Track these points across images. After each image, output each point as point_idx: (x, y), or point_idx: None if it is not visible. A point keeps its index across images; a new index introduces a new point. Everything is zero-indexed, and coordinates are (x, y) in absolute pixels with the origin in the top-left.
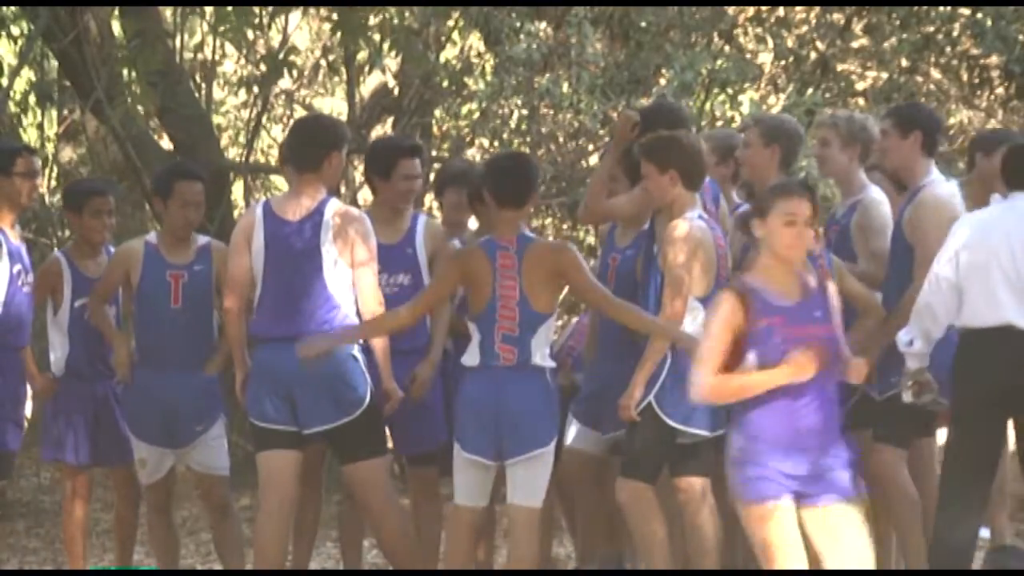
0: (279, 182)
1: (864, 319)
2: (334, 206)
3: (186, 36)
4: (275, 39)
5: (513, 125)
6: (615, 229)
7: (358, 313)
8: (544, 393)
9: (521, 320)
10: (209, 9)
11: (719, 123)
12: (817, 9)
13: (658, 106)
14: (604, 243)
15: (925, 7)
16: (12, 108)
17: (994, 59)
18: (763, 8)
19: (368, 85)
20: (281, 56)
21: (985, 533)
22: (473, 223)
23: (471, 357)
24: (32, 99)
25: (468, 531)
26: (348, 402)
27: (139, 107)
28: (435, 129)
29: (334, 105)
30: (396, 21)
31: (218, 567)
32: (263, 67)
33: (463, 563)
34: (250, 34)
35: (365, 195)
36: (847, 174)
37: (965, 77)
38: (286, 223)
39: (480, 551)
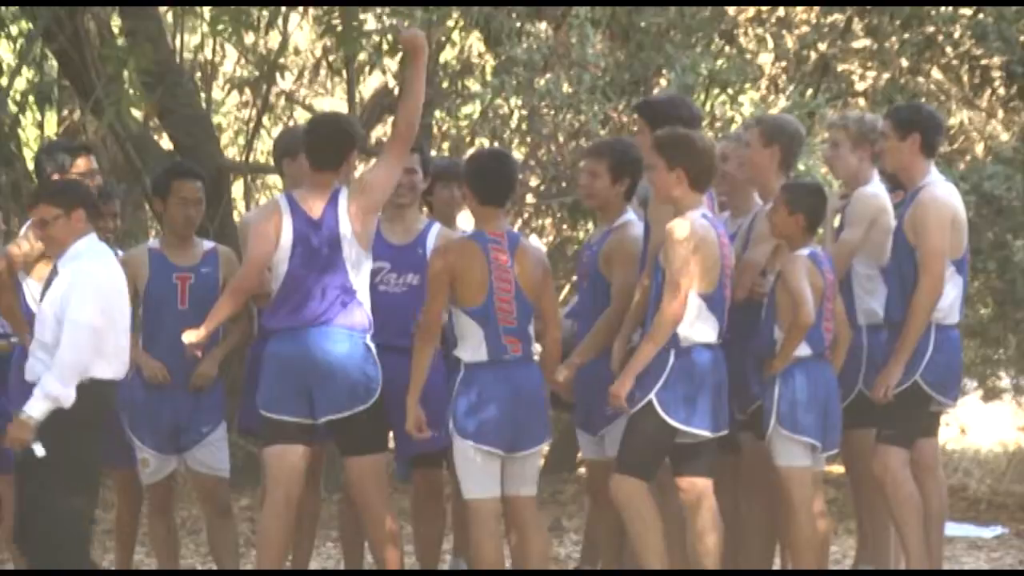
0: (279, 182)
1: (838, 346)
2: (343, 193)
3: (186, 36)
4: (275, 40)
5: (513, 125)
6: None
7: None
8: (542, 384)
9: (518, 312)
10: (207, 9)
11: (719, 124)
12: (818, 10)
13: (673, 100)
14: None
15: (926, 8)
16: (12, 108)
17: (995, 59)
18: (764, 9)
19: (368, 85)
20: (276, 60)
21: (996, 531)
22: (462, 219)
23: (476, 352)
24: (32, 99)
25: (496, 523)
26: (363, 390)
27: (131, 108)
28: (435, 129)
29: (334, 105)
30: (394, 22)
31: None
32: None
33: (495, 557)
34: (248, 35)
35: None
36: (857, 175)
37: (966, 78)
38: (311, 220)
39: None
